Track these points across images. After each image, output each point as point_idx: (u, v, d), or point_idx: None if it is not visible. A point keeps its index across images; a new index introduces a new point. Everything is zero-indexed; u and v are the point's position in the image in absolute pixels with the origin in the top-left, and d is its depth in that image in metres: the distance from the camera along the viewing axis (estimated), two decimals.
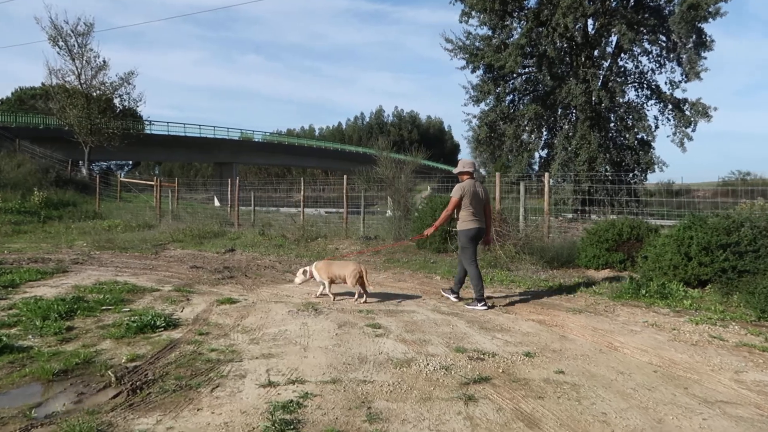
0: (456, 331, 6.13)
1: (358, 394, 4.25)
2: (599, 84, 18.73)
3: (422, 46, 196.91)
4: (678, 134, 18.95)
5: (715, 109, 18.32)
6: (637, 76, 20.10)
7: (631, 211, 17.03)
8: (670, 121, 19.43)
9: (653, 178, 20.02)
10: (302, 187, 19.02)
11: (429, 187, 20.19)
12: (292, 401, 4.06)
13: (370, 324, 6.34)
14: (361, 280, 7.60)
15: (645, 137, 19.20)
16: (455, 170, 7.87)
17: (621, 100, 19.34)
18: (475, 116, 21.63)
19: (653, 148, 19.17)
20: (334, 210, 21.85)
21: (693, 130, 18.70)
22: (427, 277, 9.62)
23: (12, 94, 56.20)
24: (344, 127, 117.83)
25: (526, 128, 20.50)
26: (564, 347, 5.53)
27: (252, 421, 3.76)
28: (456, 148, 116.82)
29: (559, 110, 20.87)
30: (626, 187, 16.79)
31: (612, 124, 19.80)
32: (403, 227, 13.34)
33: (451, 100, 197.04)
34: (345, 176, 15.65)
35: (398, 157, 14.31)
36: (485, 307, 7.12)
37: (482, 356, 5.22)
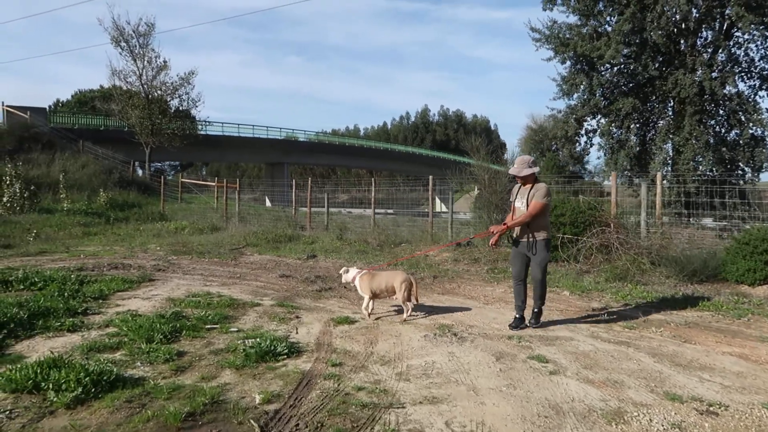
0: (645, 367, 4.97)
1: None
2: (710, 73, 17.05)
3: (464, 45, 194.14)
4: None
5: None
6: (746, 64, 18.33)
7: (740, 215, 15.33)
8: None
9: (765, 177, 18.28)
10: (373, 188, 18.01)
11: (476, 188, 19.00)
12: None
13: (533, 356, 5.25)
14: (408, 294, 6.61)
15: (758, 132, 17.40)
16: (525, 171, 6.12)
17: (733, 91, 17.55)
18: (560, 111, 20.29)
19: None
20: (385, 211, 20.74)
21: None
22: (553, 293, 8.45)
23: (72, 96, 57.34)
24: (389, 126, 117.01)
25: (620, 124, 18.93)
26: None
27: None
28: (503, 146, 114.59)
29: (653, 104, 19.27)
30: (735, 189, 15.17)
31: (720, 118, 18.08)
32: None
33: (496, 99, 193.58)
34: (431, 176, 14.57)
35: (492, 166, 13.16)
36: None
37: (711, 408, 4.06)
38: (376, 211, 20.02)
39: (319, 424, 3.77)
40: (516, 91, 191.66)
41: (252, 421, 3.82)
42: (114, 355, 5.23)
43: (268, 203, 38.37)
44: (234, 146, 51.59)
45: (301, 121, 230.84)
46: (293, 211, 19.90)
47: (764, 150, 17.32)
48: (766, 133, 17.50)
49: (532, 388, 4.45)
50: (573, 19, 18.93)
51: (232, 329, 6.16)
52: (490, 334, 6.05)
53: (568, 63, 19.16)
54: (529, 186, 6.16)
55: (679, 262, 8.96)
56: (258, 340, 5.49)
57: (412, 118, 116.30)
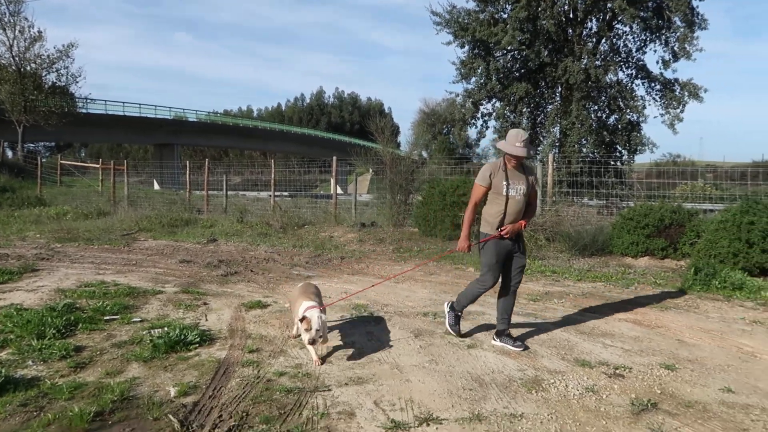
0: (553, 337, 5.26)
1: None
2: (594, 61, 18.22)
3: (361, 28, 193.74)
4: (668, 115, 18.81)
5: (706, 90, 18.43)
6: (624, 54, 19.81)
7: (617, 193, 16.65)
8: (656, 101, 19.29)
9: (640, 159, 19.95)
10: (273, 170, 17.57)
11: (370, 170, 19.29)
12: None
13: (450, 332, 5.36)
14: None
15: (634, 118, 18.93)
16: (520, 152, 4.67)
17: (613, 79, 18.90)
18: (458, 95, 20.83)
19: (642, 129, 19.02)
20: (281, 194, 20.30)
21: (682, 111, 18.67)
22: (458, 269, 8.71)
23: None
24: (284, 108, 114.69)
25: (513, 108, 19.79)
26: (695, 356, 4.75)
27: None
28: (396, 129, 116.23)
29: (543, 90, 20.32)
30: (613, 170, 16.46)
31: (602, 104, 19.40)
32: (404, 212, 12.36)
33: (390, 83, 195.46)
34: (334, 157, 14.41)
35: (396, 151, 13.27)
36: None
37: (618, 372, 4.36)
38: (269, 193, 19.57)
39: (244, 414, 3.60)
40: (409, 75, 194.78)
41: (170, 416, 3.56)
42: (0, 355, 4.69)
43: (156, 186, 36.34)
44: (119, 126, 48.18)
45: (192, 101, 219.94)
46: (187, 194, 18.96)
47: (639, 134, 18.92)
48: (640, 118, 19.12)
49: (454, 363, 4.54)
50: (472, 4, 19.51)
51: (135, 319, 5.74)
52: (406, 312, 6.11)
53: (467, 47, 19.72)
54: (519, 169, 4.81)
55: (571, 237, 9.57)
56: (166, 329, 5.15)
57: (307, 100, 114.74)
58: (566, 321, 5.80)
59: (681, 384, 4.12)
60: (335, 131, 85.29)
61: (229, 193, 20.12)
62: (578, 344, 5.04)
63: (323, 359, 4.59)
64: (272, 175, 17.31)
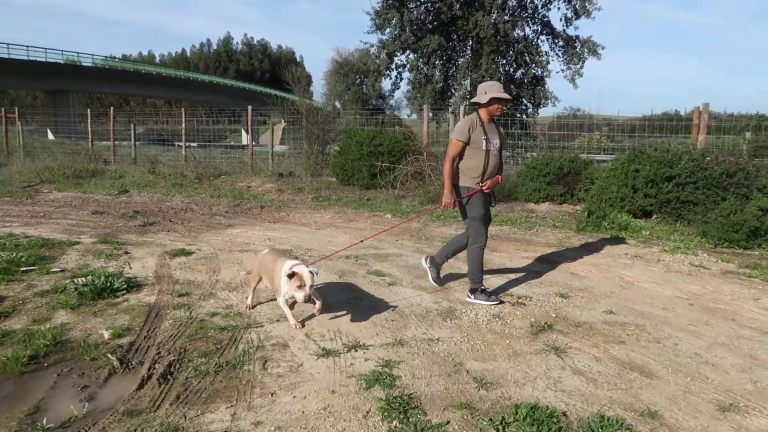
0: (465, 273, 5.77)
1: (441, 357, 3.74)
2: (503, 16, 18.80)
3: None
4: (569, 71, 19.91)
5: (603, 48, 19.57)
6: (531, 11, 20.54)
7: (522, 144, 17.53)
8: (559, 57, 20.30)
9: (543, 113, 21.02)
10: (183, 120, 17.00)
11: (284, 120, 19.27)
12: (379, 373, 3.44)
13: (372, 272, 5.77)
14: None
15: (539, 73, 19.88)
16: (507, 96, 4.87)
17: (518, 35, 19.64)
18: (373, 45, 20.83)
19: (546, 84, 20.03)
20: (188, 144, 19.70)
21: (582, 67, 19.82)
22: (376, 216, 9.09)
23: None
24: (189, 54, 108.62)
25: (429, 60, 20.11)
26: (585, 285, 5.44)
27: (356, 403, 3.11)
28: (309, 79, 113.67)
29: (455, 43, 20.75)
30: (519, 121, 17.32)
31: (510, 58, 20.16)
32: (321, 162, 12.52)
33: (302, 30, 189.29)
34: (250, 107, 14.15)
35: (313, 102, 13.25)
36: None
37: (520, 300, 4.94)
38: (178, 144, 19.00)
39: (182, 350, 3.81)
40: (321, 23, 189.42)
41: (108, 355, 3.71)
42: None
43: (50, 136, 33.90)
44: (4, 70, 43.88)
45: (87, 45, 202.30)
46: (90, 144, 17.98)
47: (543, 88, 19.95)
48: (544, 73, 20.12)
49: (376, 299, 4.93)
50: None
51: (54, 269, 5.68)
52: (332, 256, 6.42)
53: None
54: (492, 124, 4.92)
55: None
56: (90, 277, 5.16)
57: (214, 47, 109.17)
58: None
59: (572, 309, 4.75)
60: (245, 80, 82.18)
61: (136, 143, 19.32)
62: (486, 279, 5.57)
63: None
64: (182, 125, 16.78)
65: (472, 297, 4.94)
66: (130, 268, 5.85)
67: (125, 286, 5.11)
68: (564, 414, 3.02)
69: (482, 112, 4.84)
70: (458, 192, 4.95)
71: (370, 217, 9.04)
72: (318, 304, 4.15)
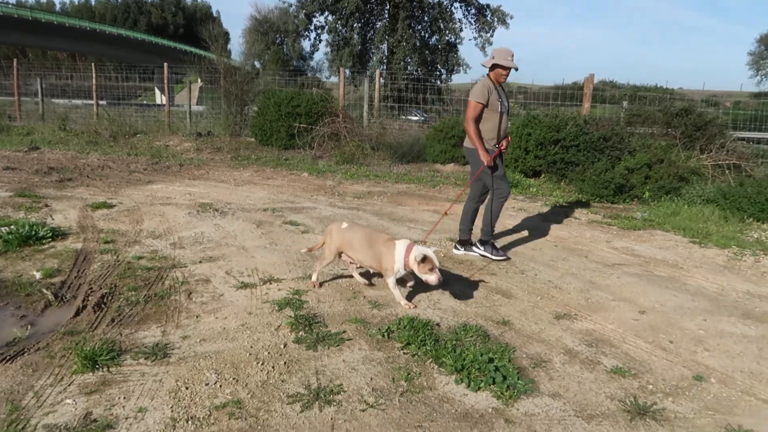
0: (371, 223, 6.48)
1: (343, 287, 4.43)
2: None
3: None
4: (480, 39, 20.86)
5: (512, 17, 20.58)
6: None
7: (436, 109, 18.43)
8: (472, 24, 21.17)
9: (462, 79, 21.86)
10: (94, 75, 16.53)
11: (200, 80, 19.21)
12: (290, 299, 4.09)
13: (287, 222, 6.35)
14: None
15: (452, 40, 20.70)
16: (514, 65, 5.07)
17: (434, 1, 20.29)
18: (291, 5, 20.78)
19: (459, 51, 20.92)
20: (103, 102, 19.15)
21: (492, 35, 20.82)
22: (293, 174, 9.60)
23: None
24: (94, 3, 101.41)
25: (347, 23, 20.37)
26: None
27: (270, 320, 3.74)
28: (226, 35, 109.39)
29: (372, 6, 21.11)
30: (434, 87, 18.15)
31: (425, 24, 20.80)
32: (240, 122, 12.78)
33: None
34: (165, 64, 14.02)
35: (230, 62, 13.31)
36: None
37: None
38: (85, 101, 18.50)
39: (113, 286, 4.28)
40: None
41: (43, 290, 4.13)
42: None
43: None
44: None
45: None
46: None
47: (456, 55, 20.85)
48: (457, 40, 21.00)
49: (290, 244, 5.55)
50: None
51: None
52: (248, 208, 6.94)
53: None
54: (502, 87, 5.22)
55: (392, 147, 10.91)
56: (13, 226, 5.42)
57: None
58: (382, 212, 7.09)
59: (459, 251, 5.57)
60: (157, 34, 78.06)
61: (36, 99, 18.54)
62: (389, 227, 6.33)
63: (176, 245, 5.30)
64: (93, 81, 16.34)
65: (481, 249, 5.32)
66: (53, 219, 6.11)
67: (50, 234, 5.42)
68: (437, 324, 3.80)
69: (492, 75, 5.09)
70: (472, 152, 5.14)
71: (287, 176, 9.55)
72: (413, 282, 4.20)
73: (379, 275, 4.33)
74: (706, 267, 5.46)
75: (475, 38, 21.06)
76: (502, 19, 20.54)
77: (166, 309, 3.89)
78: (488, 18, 20.70)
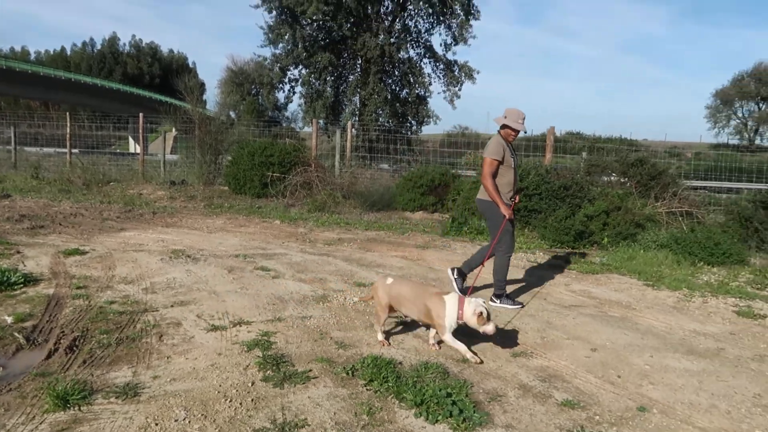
0: (340, 268, 6.69)
1: (311, 328, 4.60)
2: (389, 39, 20.19)
3: None
4: (448, 92, 21.74)
5: (479, 72, 21.57)
6: (415, 35, 22.18)
7: (407, 159, 18.92)
8: (440, 79, 22.07)
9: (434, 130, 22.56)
10: (68, 124, 16.67)
11: (174, 129, 19.52)
12: (259, 340, 4.24)
13: (258, 267, 6.51)
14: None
15: (422, 93, 21.53)
16: (523, 129, 5.42)
17: (403, 56, 21.19)
18: (266, 59, 21.43)
19: (428, 103, 21.75)
20: (76, 150, 19.20)
21: (460, 89, 21.72)
22: (266, 222, 9.79)
23: None
24: (69, 53, 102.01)
25: (318, 76, 21.06)
26: (439, 277, 6.54)
27: (239, 360, 3.89)
28: (202, 86, 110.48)
29: (345, 61, 21.91)
30: (404, 137, 18.74)
31: (395, 79, 21.63)
32: (214, 171, 13.00)
33: (195, 35, 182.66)
34: (141, 114, 14.28)
35: (206, 112, 13.67)
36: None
37: None
38: (58, 150, 18.61)
39: (84, 329, 4.38)
40: (216, 28, 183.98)
41: (16, 334, 4.21)
42: None
43: None
44: None
45: None
46: None
47: (426, 107, 21.66)
48: (427, 93, 21.85)
49: (261, 288, 5.71)
50: None
51: None
52: (219, 254, 7.09)
53: (275, 13, 20.40)
54: (512, 144, 5.54)
55: (363, 195, 11.23)
56: None
57: (98, 46, 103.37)
58: (351, 258, 7.30)
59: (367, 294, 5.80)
60: (133, 84, 78.57)
61: (8, 147, 18.55)
62: (358, 272, 6.54)
63: (148, 290, 5.43)
64: (67, 130, 16.48)
65: (498, 302, 5.50)
66: (24, 265, 6.18)
67: (22, 280, 5.50)
68: (400, 363, 3.99)
69: (502, 133, 5.39)
70: (490, 205, 5.37)
71: (260, 223, 9.74)
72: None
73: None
74: (657, 308, 5.78)
75: (443, 91, 22.02)
76: (469, 74, 21.52)
77: (137, 351, 4.01)
78: (456, 73, 21.66)
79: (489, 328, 4.09)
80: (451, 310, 4.10)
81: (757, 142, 58.26)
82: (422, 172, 11.16)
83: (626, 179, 10.28)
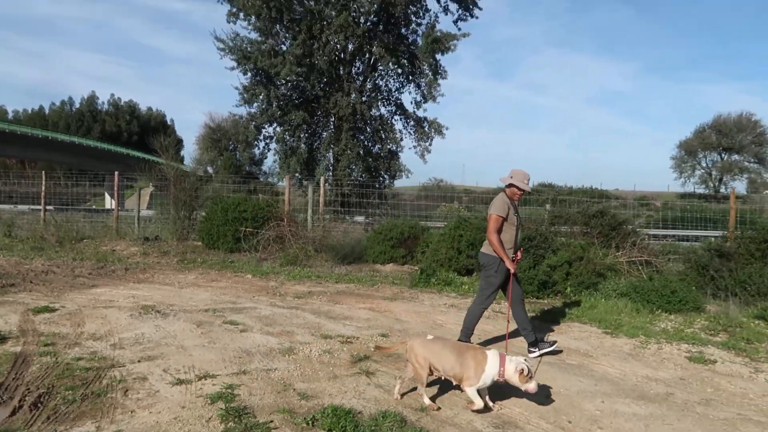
0: (308, 321, 6.83)
1: (275, 380, 4.72)
2: (359, 97, 20.92)
3: (138, 31, 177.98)
4: (419, 147, 22.43)
5: (447, 128, 22.34)
6: (386, 93, 23.01)
7: (381, 212, 19.26)
8: (411, 135, 22.78)
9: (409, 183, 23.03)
10: (43, 182, 16.76)
11: (151, 185, 19.72)
12: (223, 392, 4.35)
13: (227, 321, 6.62)
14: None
15: (394, 148, 22.19)
16: (528, 188, 5.76)
17: (375, 114, 21.91)
18: (242, 117, 21.95)
19: (400, 158, 22.40)
20: (50, 207, 19.17)
21: (431, 144, 22.42)
22: (237, 276, 9.92)
23: None
24: (48, 111, 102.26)
25: (292, 133, 21.61)
26: (405, 328, 6.72)
27: (202, 413, 3.99)
28: (180, 142, 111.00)
29: (319, 118, 22.56)
30: (377, 191, 19.14)
31: (367, 135, 22.28)
32: (188, 227, 13.14)
33: (174, 93, 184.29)
34: (116, 172, 14.46)
35: (181, 166, 13.94)
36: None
37: (349, 340, 6.07)
38: (32, 207, 18.63)
39: (50, 386, 4.44)
40: (194, 86, 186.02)
41: None
42: None
43: None
44: None
45: None
46: None
47: (397, 162, 22.29)
48: (398, 149, 22.52)
49: (228, 342, 5.82)
50: (255, 35, 20.95)
51: None
52: (189, 309, 7.19)
53: (249, 74, 21.09)
54: (516, 203, 5.79)
55: (335, 248, 11.44)
56: None
57: (77, 105, 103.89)
58: (320, 310, 7.45)
59: (388, 344, 5.96)
60: (111, 141, 78.71)
61: None
62: (325, 325, 6.69)
63: (116, 346, 5.50)
64: (42, 188, 16.56)
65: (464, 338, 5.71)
66: None
67: None
68: (360, 412, 4.12)
69: (507, 191, 5.69)
70: (488, 259, 5.62)
71: (231, 278, 9.85)
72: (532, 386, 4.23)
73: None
74: (613, 355, 6.01)
75: (414, 147, 22.72)
76: (439, 130, 22.32)
77: (102, 406, 4.08)
78: (426, 129, 22.40)
79: (531, 386, 4.16)
80: (493, 366, 4.18)
81: (722, 190, 60.23)
82: (392, 225, 11.45)
83: (588, 229, 10.68)
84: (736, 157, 61.92)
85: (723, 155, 62.68)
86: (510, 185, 5.66)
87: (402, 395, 4.46)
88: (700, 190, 62.53)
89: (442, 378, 4.44)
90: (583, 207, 11.58)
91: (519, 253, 5.81)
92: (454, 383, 4.38)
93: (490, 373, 4.18)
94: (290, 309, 7.48)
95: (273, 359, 5.31)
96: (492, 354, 4.27)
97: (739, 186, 60.46)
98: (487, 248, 5.72)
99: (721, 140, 60.92)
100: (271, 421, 3.89)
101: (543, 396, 4.55)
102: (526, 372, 4.16)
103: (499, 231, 5.56)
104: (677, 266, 10.48)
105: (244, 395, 4.35)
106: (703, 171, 64.38)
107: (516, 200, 5.73)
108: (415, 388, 4.48)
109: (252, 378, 4.75)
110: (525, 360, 4.29)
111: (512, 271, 5.54)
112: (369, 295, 8.67)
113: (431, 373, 4.35)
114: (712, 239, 11.47)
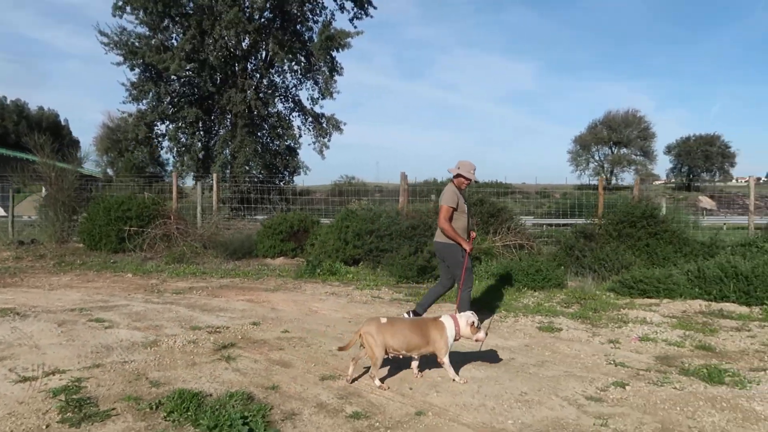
0: (181, 315, 6.78)
1: (129, 371, 4.70)
2: (255, 94, 20.67)
3: (27, 25, 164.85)
4: (318, 143, 22.49)
5: (345, 123, 22.56)
6: (283, 90, 22.89)
7: (281, 208, 19.24)
8: (310, 131, 22.82)
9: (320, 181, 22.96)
10: None
11: (44, 188, 18.72)
12: (68, 386, 4.28)
13: (93, 319, 6.46)
14: None
15: (292, 144, 22.10)
16: (475, 178, 6.21)
17: (272, 110, 21.73)
18: (131, 115, 21.02)
19: (299, 155, 22.35)
20: None
21: (329, 140, 22.53)
22: (117, 276, 9.62)
23: None
24: None
25: (186, 130, 20.99)
26: (279, 316, 6.84)
27: (39, 407, 3.92)
28: (76, 144, 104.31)
29: (215, 116, 22.07)
30: (276, 188, 19.09)
31: (265, 132, 22.05)
32: (68, 229, 12.52)
33: (68, 91, 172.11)
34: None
35: (60, 164, 13.18)
36: None
37: (218, 330, 6.11)
38: None
39: None
40: (91, 84, 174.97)
41: None
42: None
43: None
44: None
45: None
46: None
47: (296, 159, 22.27)
48: (296, 145, 22.51)
49: (89, 339, 5.69)
50: (142, 29, 20.17)
51: None
52: (54, 310, 6.93)
53: (138, 70, 20.30)
54: (464, 191, 6.17)
55: (224, 244, 11.34)
56: None
57: None
58: (196, 304, 7.42)
59: (258, 332, 6.07)
60: None
61: None
62: (198, 317, 6.68)
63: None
64: None
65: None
66: None
67: None
68: (210, 394, 4.20)
69: (455, 181, 6.06)
70: (448, 247, 5.98)
71: (110, 278, 9.53)
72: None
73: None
74: None
75: (313, 143, 22.79)
76: (336, 125, 22.54)
77: None
78: (324, 125, 22.54)
79: (481, 335, 4.69)
80: (450, 328, 4.58)
81: (614, 181, 64.55)
82: (281, 219, 11.50)
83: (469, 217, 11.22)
84: (624, 150, 66.63)
85: (613, 149, 67.21)
86: (458, 175, 6.05)
87: (353, 380, 4.56)
88: (594, 181, 66.77)
89: (391, 357, 4.65)
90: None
91: (473, 233, 6.31)
92: (415, 358, 4.68)
93: (451, 336, 4.59)
94: (165, 304, 7.39)
95: (133, 352, 5.27)
96: (445, 318, 4.68)
97: (628, 177, 65.15)
98: (441, 237, 6.07)
99: (611, 135, 65.29)
100: (113, 409, 3.89)
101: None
102: (476, 324, 4.66)
103: (451, 219, 5.96)
104: (551, 248, 11.27)
105: (91, 387, 4.31)
106: (596, 164, 68.73)
107: (463, 188, 6.13)
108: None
109: (105, 371, 4.70)
110: (472, 313, 4.77)
111: (467, 250, 5.93)
112: (251, 288, 8.70)
113: (387, 354, 4.52)
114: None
